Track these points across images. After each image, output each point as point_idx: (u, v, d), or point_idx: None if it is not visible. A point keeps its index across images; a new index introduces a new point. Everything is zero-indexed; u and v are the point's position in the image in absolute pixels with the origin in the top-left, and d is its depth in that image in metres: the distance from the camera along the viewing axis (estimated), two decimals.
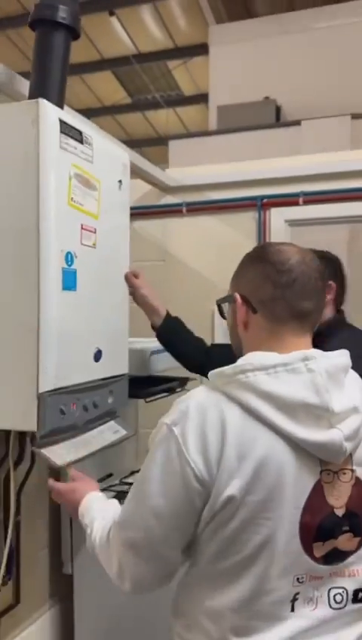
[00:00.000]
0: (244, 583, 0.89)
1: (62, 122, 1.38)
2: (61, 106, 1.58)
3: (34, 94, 1.55)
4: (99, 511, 1.11)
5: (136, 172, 2.74)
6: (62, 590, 2.09)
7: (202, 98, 8.23)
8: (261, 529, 0.87)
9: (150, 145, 9.97)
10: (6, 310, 1.35)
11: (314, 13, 6.07)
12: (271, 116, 5.52)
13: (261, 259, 1.00)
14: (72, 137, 1.42)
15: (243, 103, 5.56)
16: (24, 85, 1.74)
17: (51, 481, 1.26)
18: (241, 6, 6.83)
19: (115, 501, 1.15)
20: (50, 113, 1.36)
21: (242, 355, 0.97)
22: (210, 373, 0.94)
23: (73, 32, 1.61)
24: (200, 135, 5.77)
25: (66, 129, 1.40)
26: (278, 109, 5.63)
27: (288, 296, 0.96)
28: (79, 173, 1.44)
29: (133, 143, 9.75)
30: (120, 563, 0.97)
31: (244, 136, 5.07)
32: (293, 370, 0.89)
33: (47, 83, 1.55)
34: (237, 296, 1.01)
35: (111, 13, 7.04)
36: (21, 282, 1.34)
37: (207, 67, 6.84)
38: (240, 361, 0.93)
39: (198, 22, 7.10)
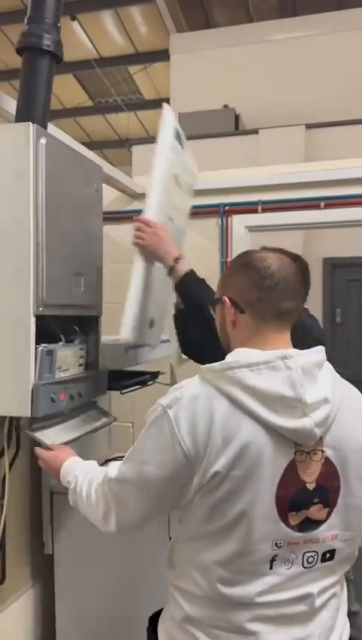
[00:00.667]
0: (229, 544, 1.05)
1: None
2: (45, 125, 1.75)
3: (22, 113, 1.72)
4: (81, 469, 1.31)
5: (105, 179, 2.92)
6: (44, 570, 2.24)
7: (162, 102, 8.34)
8: (241, 500, 1.03)
9: (111, 147, 10.09)
10: (4, 308, 1.53)
11: (270, 26, 6.31)
12: (231, 124, 5.72)
13: (246, 266, 1.14)
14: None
15: (203, 110, 5.74)
16: (8, 103, 1.90)
17: (37, 449, 1.47)
18: (201, 16, 7.03)
19: (94, 461, 1.36)
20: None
21: (230, 350, 1.14)
22: (203, 367, 1.10)
23: (56, 58, 1.78)
24: None
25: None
26: (237, 118, 5.83)
27: (271, 297, 1.10)
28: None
29: (94, 144, 9.85)
30: (107, 509, 1.17)
31: (205, 144, 5.26)
32: (273, 368, 1.04)
33: (33, 105, 1.72)
34: (226, 299, 1.15)
35: (73, 18, 7.13)
36: (18, 284, 1.51)
37: (167, 72, 7.00)
38: (228, 358, 1.09)
39: (159, 29, 7.24)
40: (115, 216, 3.09)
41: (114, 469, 1.16)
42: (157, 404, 1.10)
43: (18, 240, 1.50)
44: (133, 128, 9.73)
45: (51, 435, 1.55)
